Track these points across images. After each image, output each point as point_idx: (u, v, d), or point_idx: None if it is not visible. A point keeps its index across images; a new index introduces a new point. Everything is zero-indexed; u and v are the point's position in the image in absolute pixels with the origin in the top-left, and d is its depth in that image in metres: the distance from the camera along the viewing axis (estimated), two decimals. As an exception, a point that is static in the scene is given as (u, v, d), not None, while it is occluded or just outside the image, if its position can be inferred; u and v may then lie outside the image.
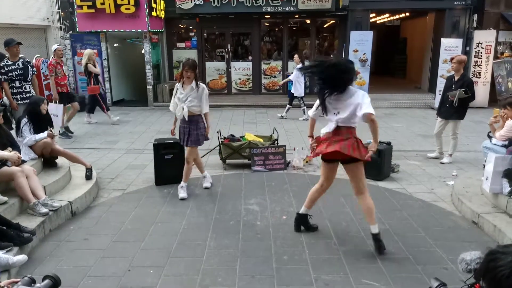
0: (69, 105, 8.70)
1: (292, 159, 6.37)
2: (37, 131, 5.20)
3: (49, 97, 11.41)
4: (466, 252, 2.04)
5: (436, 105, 7.67)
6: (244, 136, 6.72)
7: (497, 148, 5.20)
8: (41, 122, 5.30)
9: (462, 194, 4.87)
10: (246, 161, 6.33)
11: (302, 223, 4.19)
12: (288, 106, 10.54)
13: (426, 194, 5.25)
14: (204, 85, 5.04)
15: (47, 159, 5.33)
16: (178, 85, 5.01)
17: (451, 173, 5.97)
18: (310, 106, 4.48)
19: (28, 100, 6.48)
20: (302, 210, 4.15)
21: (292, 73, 10.66)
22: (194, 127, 5.01)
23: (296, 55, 10.54)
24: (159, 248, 3.91)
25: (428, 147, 7.40)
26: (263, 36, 13.85)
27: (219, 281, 3.38)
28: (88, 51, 9.61)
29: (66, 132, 8.54)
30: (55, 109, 8.01)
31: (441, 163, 6.50)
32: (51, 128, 5.35)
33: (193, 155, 5.19)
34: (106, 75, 12.17)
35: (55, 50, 8.50)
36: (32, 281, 1.68)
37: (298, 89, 10.17)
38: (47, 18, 12.59)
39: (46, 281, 1.64)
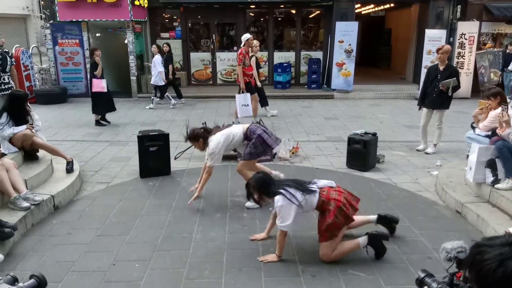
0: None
1: (278, 150, 6.35)
2: (16, 125, 5.07)
3: (29, 88, 11.18)
4: (449, 241, 2.06)
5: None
6: (230, 127, 6.67)
7: (480, 138, 5.27)
8: (21, 117, 5.16)
9: (446, 184, 4.93)
10: (232, 152, 6.28)
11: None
12: (165, 95, 10.78)
13: (411, 184, 5.31)
14: (210, 142, 4.48)
15: (28, 152, 5.21)
16: None
17: (435, 163, 6.04)
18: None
19: (7, 92, 6.31)
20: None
21: (150, 63, 10.94)
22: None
23: (154, 45, 10.85)
24: (144, 242, 3.87)
25: (412, 138, 7.47)
26: (248, 27, 13.73)
27: (206, 274, 3.36)
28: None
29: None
30: (243, 99, 7.87)
31: (426, 153, 6.57)
32: (31, 123, 5.22)
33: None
34: (88, 65, 11.92)
35: (247, 39, 8.06)
36: (15, 280, 1.63)
37: (155, 77, 10.43)
38: (27, 7, 12.28)
39: (31, 280, 1.58)
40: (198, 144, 4.57)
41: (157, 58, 10.34)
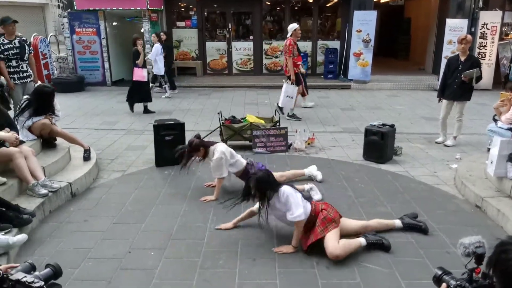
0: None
1: (293, 141, 6.30)
2: (37, 116, 5.13)
3: (47, 76, 11.32)
4: (466, 237, 2.01)
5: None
6: (245, 117, 6.64)
7: (502, 131, 5.14)
8: (45, 110, 5.21)
9: (465, 178, 4.82)
10: (247, 142, 6.27)
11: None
12: (151, 85, 10.65)
13: (429, 177, 5.21)
14: (215, 151, 4.49)
15: (46, 140, 5.27)
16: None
17: (455, 156, 5.91)
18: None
19: (25, 80, 6.39)
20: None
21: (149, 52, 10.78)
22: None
23: (153, 34, 10.67)
24: (160, 230, 3.88)
25: (431, 130, 7.33)
26: (264, 16, 13.61)
27: (220, 263, 3.36)
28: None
29: (295, 115, 8.25)
30: (290, 91, 7.85)
31: (445, 145, 6.43)
32: (50, 113, 5.25)
33: None
34: (105, 54, 12.01)
35: (295, 29, 7.92)
36: (32, 268, 1.64)
37: (157, 67, 10.33)
38: (45, -4, 12.33)
39: (47, 269, 1.60)
40: (200, 153, 4.55)
41: (156, 47, 10.25)
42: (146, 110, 8.80)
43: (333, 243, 3.37)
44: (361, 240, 3.50)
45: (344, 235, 3.58)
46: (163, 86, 10.82)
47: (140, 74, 8.50)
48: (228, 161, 4.52)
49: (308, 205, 3.55)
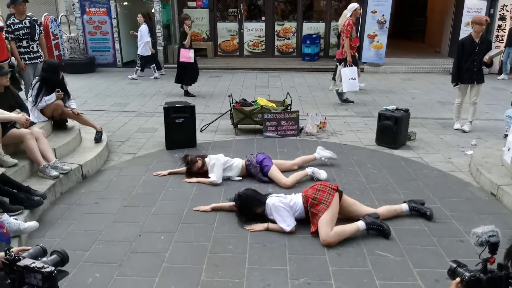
0: None
1: (305, 125, 6.22)
2: (48, 94, 5.10)
3: (58, 57, 11.30)
4: (479, 226, 1.95)
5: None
6: (256, 100, 6.56)
7: (521, 117, 4.99)
8: (54, 86, 5.17)
9: (481, 165, 4.71)
10: (258, 126, 6.20)
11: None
12: (152, 66, 10.62)
13: (443, 164, 5.11)
14: (210, 159, 4.65)
15: (57, 121, 5.27)
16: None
17: (470, 142, 5.78)
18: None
19: (36, 61, 6.36)
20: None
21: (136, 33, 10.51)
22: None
23: (140, 15, 10.44)
24: (170, 214, 3.88)
25: (446, 115, 7.18)
26: (277, -4, 13.34)
27: (230, 248, 3.35)
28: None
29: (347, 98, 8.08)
30: (351, 73, 7.70)
31: (463, 131, 6.27)
32: (58, 89, 5.21)
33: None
34: (115, 35, 11.91)
35: (355, 9, 7.64)
36: (44, 252, 1.64)
37: (146, 48, 10.22)
38: (55, -25, 12.21)
39: (54, 256, 1.58)
40: (198, 164, 4.63)
41: (144, 28, 10.09)
42: (187, 93, 8.69)
43: (325, 230, 3.38)
44: (360, 224, 3.47)
45: (351, 218, 3.60)
46: (137, 68, 10.55)
47: (186, 55, 8.36)
48: (224, 165, 4.59)
49: (299, 200, 3.64)
